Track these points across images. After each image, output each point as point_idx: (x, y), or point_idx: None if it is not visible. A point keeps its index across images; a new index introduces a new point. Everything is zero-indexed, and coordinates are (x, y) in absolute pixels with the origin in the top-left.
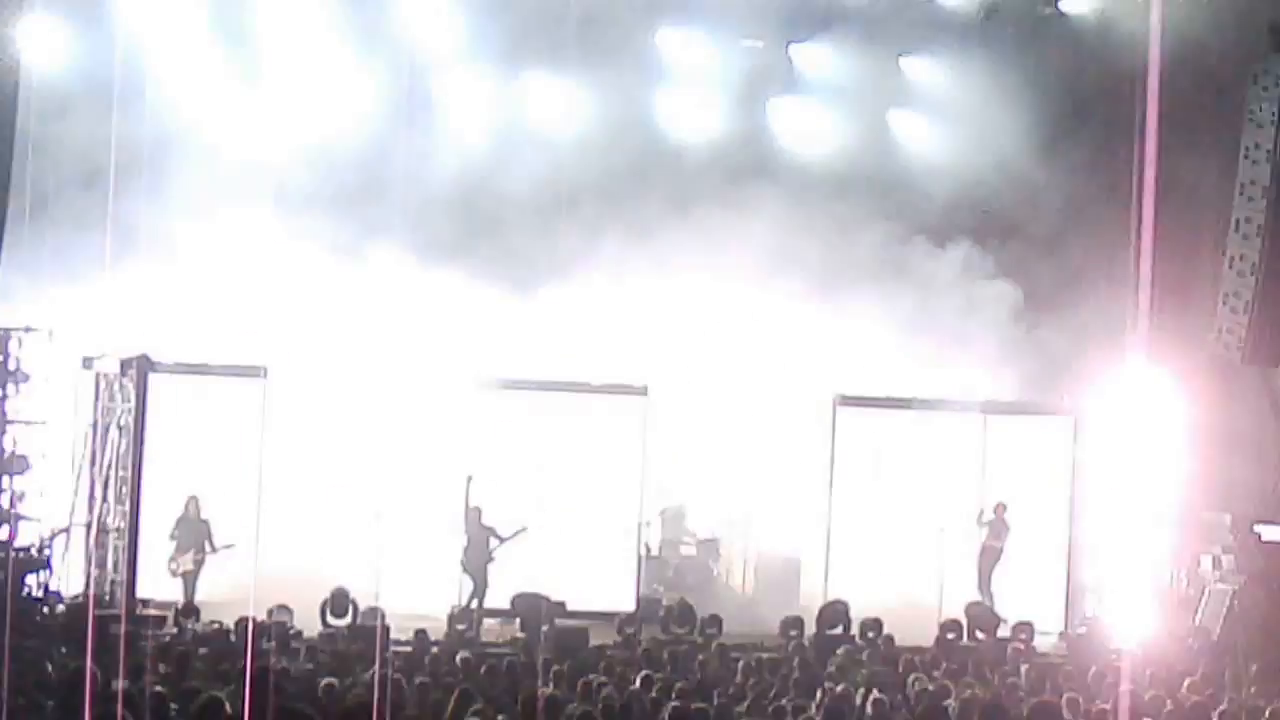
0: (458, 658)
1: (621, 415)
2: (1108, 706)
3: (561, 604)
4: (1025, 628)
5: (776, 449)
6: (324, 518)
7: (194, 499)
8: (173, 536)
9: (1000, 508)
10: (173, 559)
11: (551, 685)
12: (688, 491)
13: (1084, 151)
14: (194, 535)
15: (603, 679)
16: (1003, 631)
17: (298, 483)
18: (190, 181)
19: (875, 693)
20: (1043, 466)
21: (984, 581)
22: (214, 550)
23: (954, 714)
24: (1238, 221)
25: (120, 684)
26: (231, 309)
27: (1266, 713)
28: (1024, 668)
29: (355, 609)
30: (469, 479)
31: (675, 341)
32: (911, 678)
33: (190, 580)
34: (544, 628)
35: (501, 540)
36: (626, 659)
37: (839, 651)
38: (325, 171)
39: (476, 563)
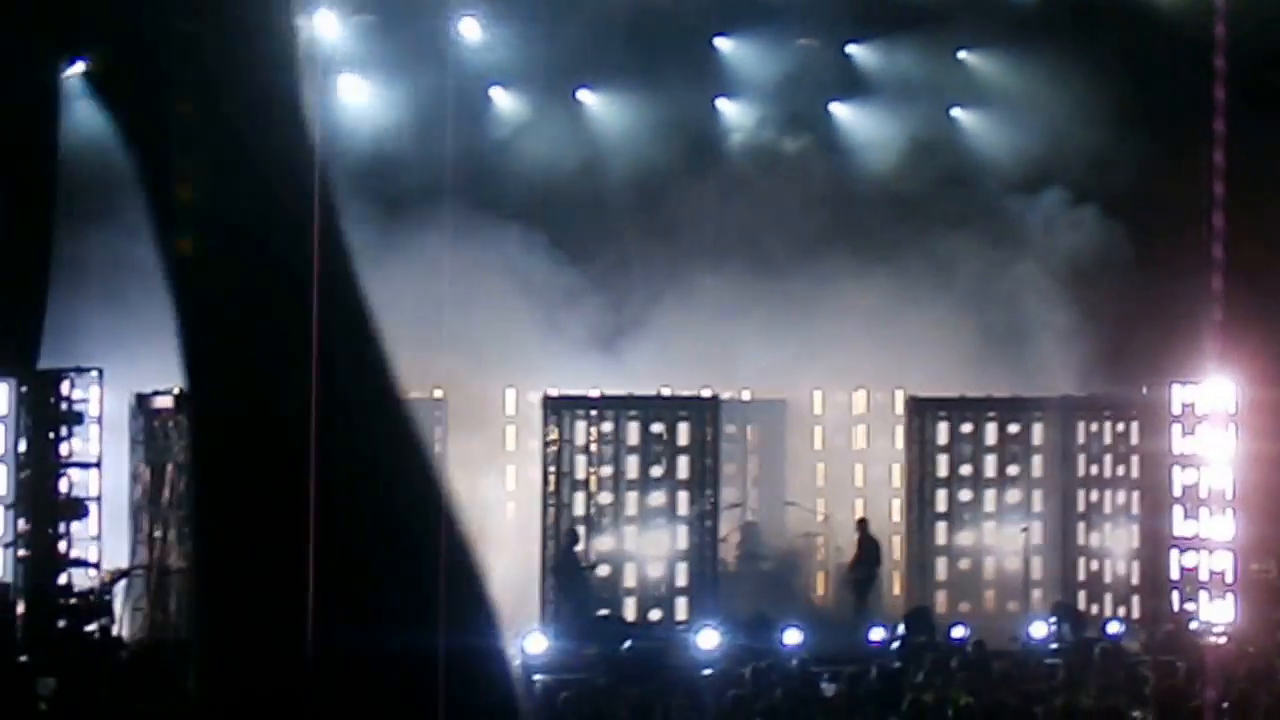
0: (536, 685)
1: (692, 426)
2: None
3: (641, 623)
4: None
5: (850, 453)
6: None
7: None
8: None
9: (861, 524)
10: None
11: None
12: (761, 503)
13: (1152, 135)
14: None
15: (683, 700)
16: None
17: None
18: None
19: (965, 698)
20: (1120, 459)
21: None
22: None
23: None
24: None
25: None
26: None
27: None
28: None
29: None
30: (571, 532)
31: (740, 347)
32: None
33: None
34: (622, 649)
35: (582, 571)
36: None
37: (927, 658)
38: (379, 183)
39: (567, 590)
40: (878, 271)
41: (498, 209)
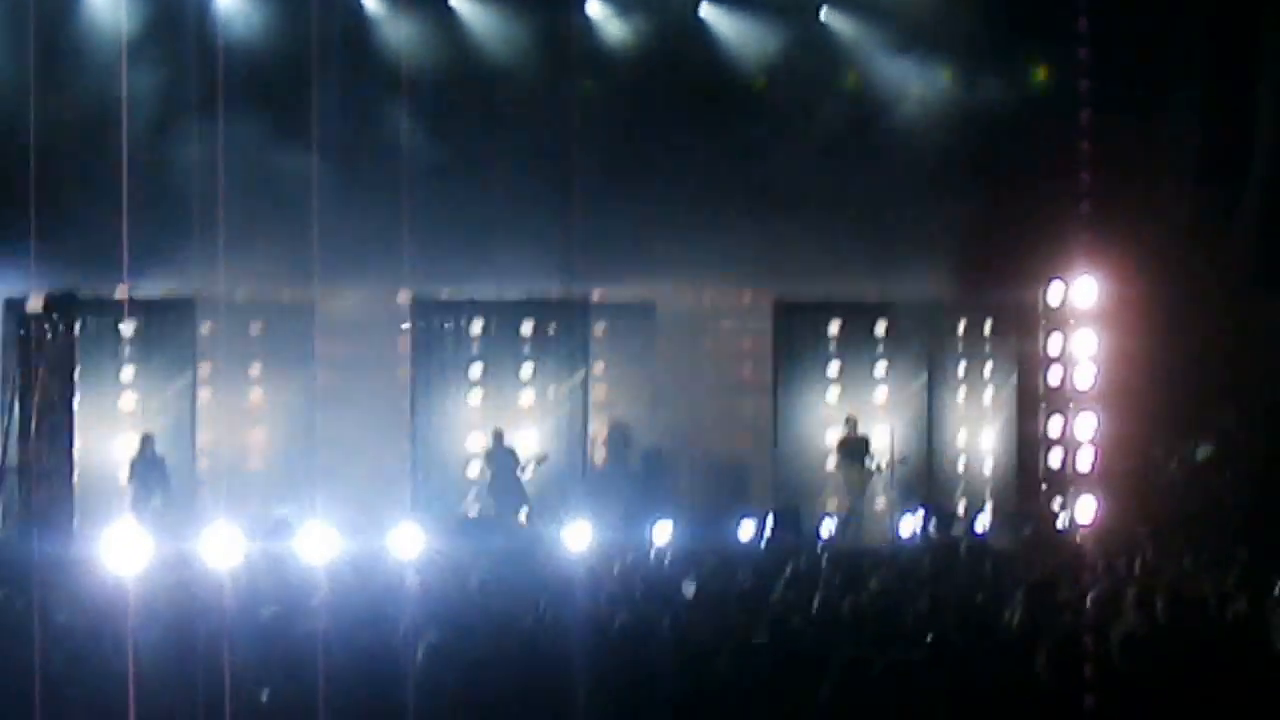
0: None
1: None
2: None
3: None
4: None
5: (719, 354)
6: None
7: (150, 437)
8: (132, 478)
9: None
10: (139, 500)
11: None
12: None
13: (1040, 34)
14: (156, 475)
15: (555, 597)
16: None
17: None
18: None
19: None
20: (990, 358)
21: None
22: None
23: None
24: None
25: None
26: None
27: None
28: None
29: None
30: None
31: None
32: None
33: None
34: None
35: (523, 467)
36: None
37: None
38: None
39: (505, 488)
40: (744, 167)
41: (365, 108)
